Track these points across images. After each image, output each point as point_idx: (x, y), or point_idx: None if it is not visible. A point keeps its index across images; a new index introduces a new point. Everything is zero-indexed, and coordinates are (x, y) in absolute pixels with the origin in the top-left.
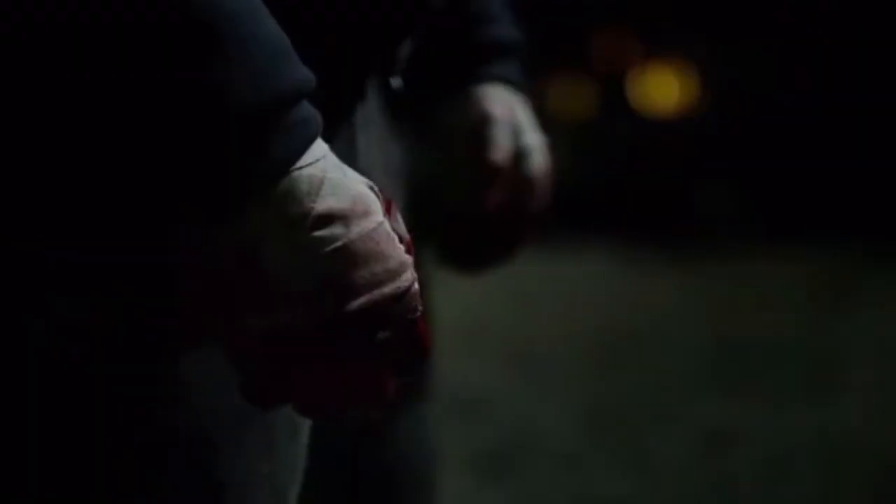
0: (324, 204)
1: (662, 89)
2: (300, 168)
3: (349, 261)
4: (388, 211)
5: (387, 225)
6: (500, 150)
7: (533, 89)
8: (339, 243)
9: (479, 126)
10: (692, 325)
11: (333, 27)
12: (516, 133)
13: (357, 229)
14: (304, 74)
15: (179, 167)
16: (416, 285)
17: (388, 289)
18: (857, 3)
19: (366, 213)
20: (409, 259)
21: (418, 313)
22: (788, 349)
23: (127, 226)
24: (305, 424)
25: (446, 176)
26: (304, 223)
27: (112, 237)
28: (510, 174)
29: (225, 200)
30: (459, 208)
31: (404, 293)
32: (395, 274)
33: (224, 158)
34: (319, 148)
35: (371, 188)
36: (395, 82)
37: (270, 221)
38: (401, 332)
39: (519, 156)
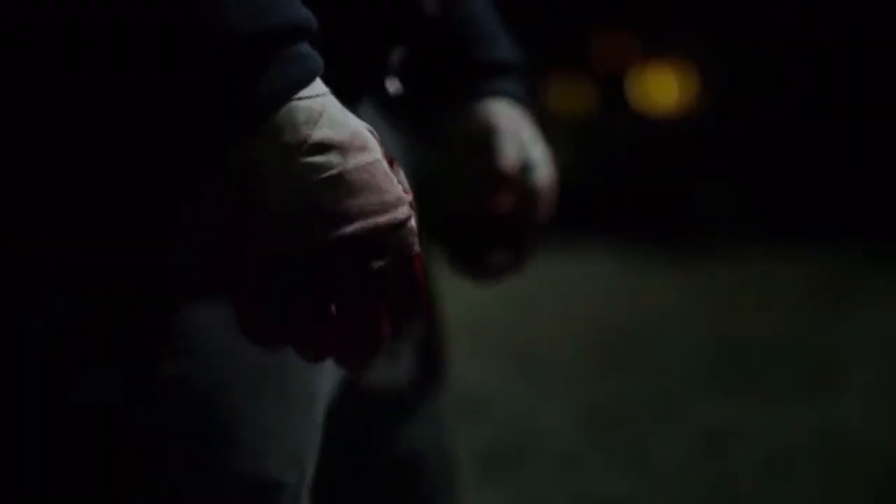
0: (320, 133)
1: (662, 89)
2: (300, 99)
3: (343, 189)
4: (390, 164)
5: (384, 163)
6: (508, 159)
7: (535, 100)
8: (333, 171)
9: (484, 135)
10: (692, 325)
11: (327, 29)
12: (522, 145)
13: (353, 160)
14: (303, 14)
15: (182, 100)
16: (414, 224)
17: (382, 219)
18: (857, 2)
19: (363, 148)
20: (406, 196)
21: (415, 251)
22: (788, 349)
23: (126, 225)
24: (320, 396)
25: (446, 176)
26: (299, 150)
27: (111, 237)
28: (516, 184)
29: (226, 128)
30: (459, 208)
31: (399, 226)
32: (389, 206)
33: (224, 86)
34: (320, 86)
35: (371, 132)
36: (393, 86)
37: (268, 148)
38: (396, 268)
39: (525, 168)
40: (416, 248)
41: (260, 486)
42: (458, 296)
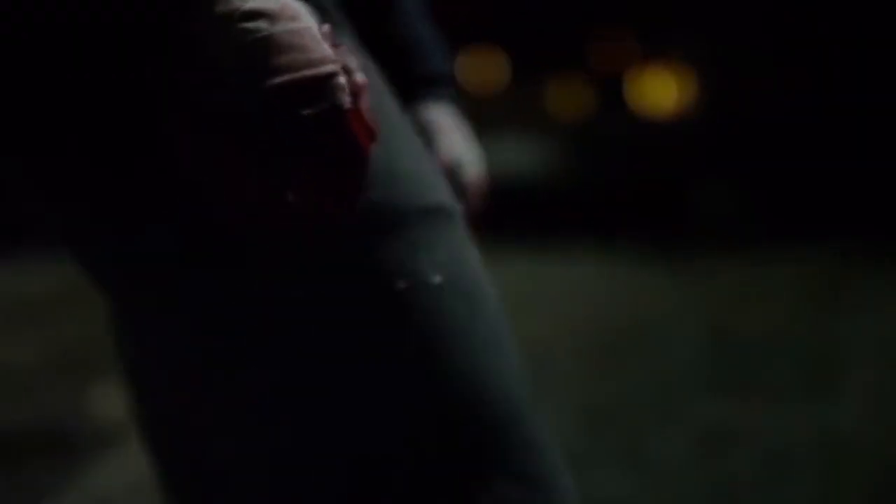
0: (251, 4)
1: (661, 90)
2: None
3: (271, 49)
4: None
5: (314, 30)
6: (443, 156)
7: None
8: (261, 34)
9: (424, 134)
10: (692, 325)
11: None
12: (455, 144)
13: (281, 26)
14: None
15: None
16: (342, 81)
17: (307, 72)
18: (857, 2)
19: (293, 17)
20: (335, 57)
21: (346, 105)
22: (788, 349)
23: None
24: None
25: None
26: (233, 17)
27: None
28: (448, 179)
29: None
30: None
31: (325, 79)
32: (316, 62)
33: None
34: None
35: (303, 6)
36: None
37: (213, 18)
38: (329, 117)
39: (457, 165)
40: (347, 102)
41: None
42: None
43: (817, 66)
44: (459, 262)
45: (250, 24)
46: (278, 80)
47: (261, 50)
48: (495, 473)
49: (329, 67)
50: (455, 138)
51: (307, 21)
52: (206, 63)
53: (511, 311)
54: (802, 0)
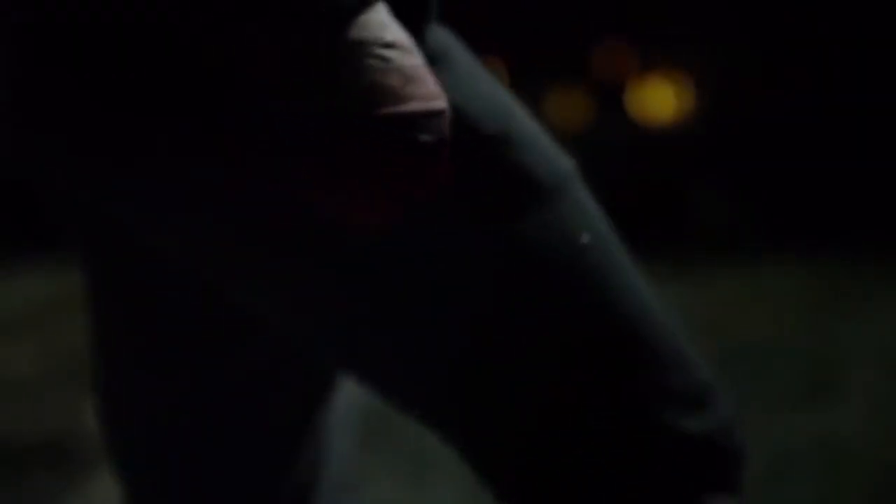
0: (391, 35)
1: (661, 99)
2: (376, 10)
3: (404, 77)
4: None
5: (427, 67)
6: None
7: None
8: (394, 63)
9: None
10: (692, 331)
11: None
12: None
13: (408, 59)
14: None
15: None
16: (448, 116)
17: (429, 104)
18: (857, 2)
19: (413, 53)
20: (442, 93)
21: (447, 137)
22: (788, 354)
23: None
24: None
25: None
26: (371, 44)
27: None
28: None
29: (323, 20)
30: None
31: (440, 113)
32: (433, 96)
33: None
34: (384, 6)
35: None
36: None
37: (354, 39)
38: (436, 143)
39: None
40: (448, 135)
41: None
42: None
43: (817, 71)
44: (596, 217)
45: (388, 53)
46: (409, 107)
47: (396, 77)
48: (658, 366)
49: (440, 104)
50: None
51: (421, 58)
52: (325, 83)
53: None
54: (802, 2)
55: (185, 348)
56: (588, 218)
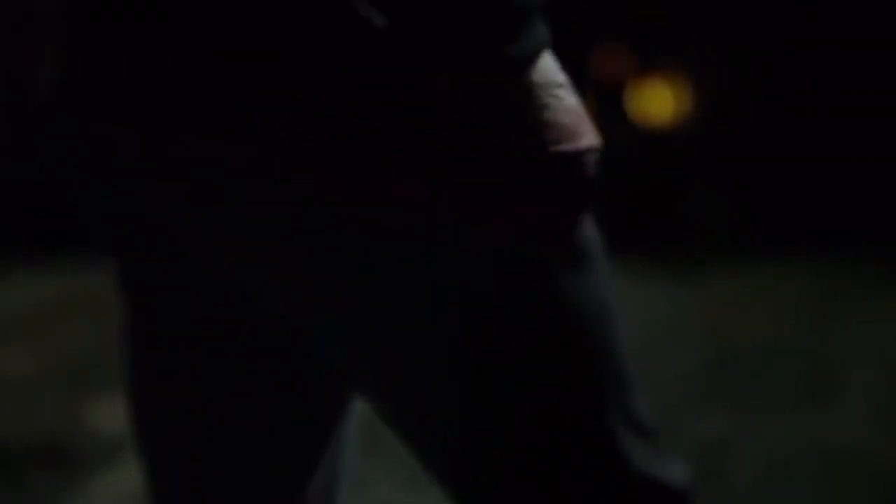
0: (560, 77)
1: (660, 101)
2: (547, 54)
3: (574, 116)
4: None
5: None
6: None
7: None
8: (567, 103)
9: None
10: (690, 336)
11: None
12: None
13: (574, 99)
14: None
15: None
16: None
17: (592, 141)
18: (857, 2)
19: (574, 94)
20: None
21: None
22: (787, 358)
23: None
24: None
25: None
26: (553, 86)
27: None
28: None
29: (508, 63)
30: None
31: (597, 149)
32: (593, 133)
33: (518, 33)
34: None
35: None
36: None
37: (533, 81)
38: (595, 176)
39: None
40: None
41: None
42: None
43: (817, 71)
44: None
45: (562, 93)
46: (581, 143)
47: (569, 116)
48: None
49: (598, 140)
50: None
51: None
52: (507, 123)
53: None
54: (801, 3)
55: (211, 349)
56: (602, 287)
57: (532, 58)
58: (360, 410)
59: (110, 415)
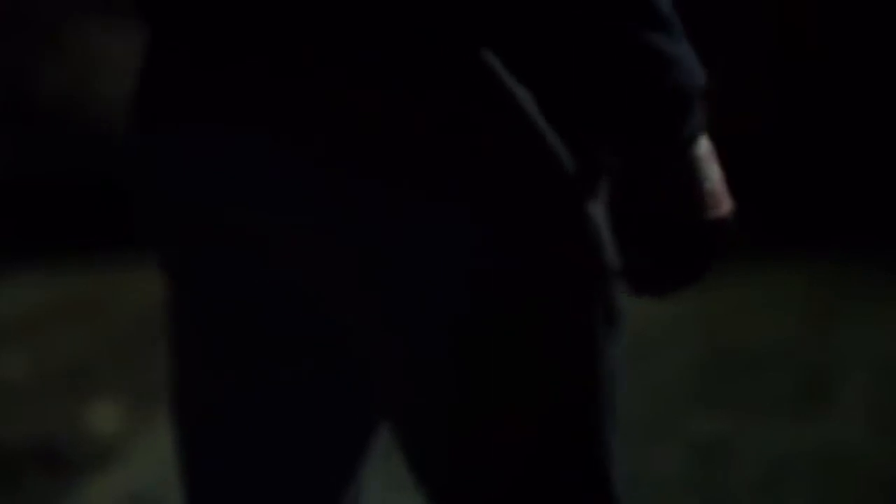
0: (711, 149)
1: None
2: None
3: (721, 184)
4: None
5: None
6: None
7: None
8: (717, 174)
9: None
10: (688, 338)
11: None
12: None
13: (717, 169)
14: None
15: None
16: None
17: (732, 205)
18: (857, 5)
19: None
20: None
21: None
22: (783, 362)
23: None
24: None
25: None
26: (710, 159)
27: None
28: None
29: (678, 137)
30: None
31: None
32: (730, 198)
33: (689, 112)
34: None
35: None
36: None
37: (698, 153)
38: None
39: None
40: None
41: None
42: None
43: (817, 72)
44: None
45: (713, 165)
46: (725, 209)
47: (719, 185)
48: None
49: (732, 202)
50: None
51: None
52: (670, 191)
53: None
54: (802, 2)
55: (257, 349)
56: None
57: (699, 134)
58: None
59: (105, 417)
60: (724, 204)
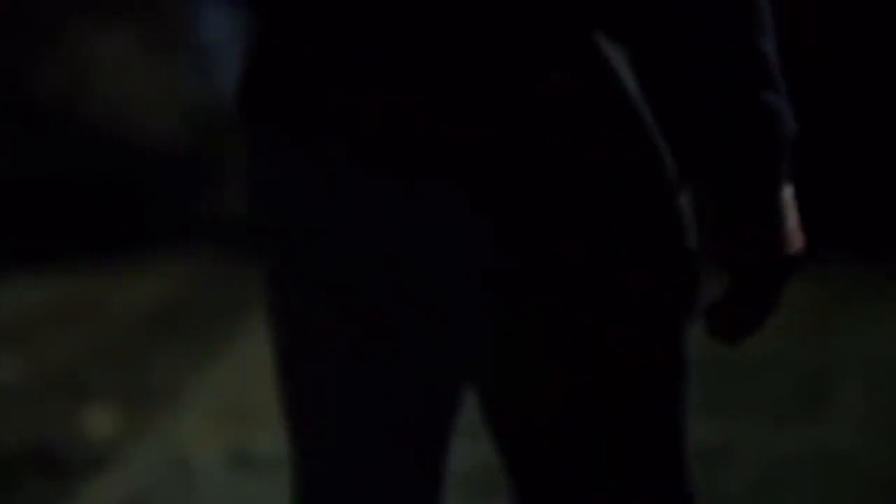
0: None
1: None
2: None
3: (797, 222)
4: None
5: None
6: None
7: None
8: (794, 212)
9: None
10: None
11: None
12: None
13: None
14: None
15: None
16: None
17: (803, 240)
18: (857, 5)
19: None
20: None
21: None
22: (781, 367)
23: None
24: None
25: None
26: (792, 198)
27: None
28: None
29: (771, 178)
30: None
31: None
32: (801, 233)
33: (782, 156)
34: None
35: None
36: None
37: (788, 197)
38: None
39: None
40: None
41: None
42: None
43: (818, 73)
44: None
45: (793, 204)
46: (799, 244)
47: (796, 222)
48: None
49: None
50: None
51: None
52: (759, 232)
53: None
54: (802, 3)
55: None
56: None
57: (789, 177)
58: None
59: (103, 419)
60: (798, 241)
